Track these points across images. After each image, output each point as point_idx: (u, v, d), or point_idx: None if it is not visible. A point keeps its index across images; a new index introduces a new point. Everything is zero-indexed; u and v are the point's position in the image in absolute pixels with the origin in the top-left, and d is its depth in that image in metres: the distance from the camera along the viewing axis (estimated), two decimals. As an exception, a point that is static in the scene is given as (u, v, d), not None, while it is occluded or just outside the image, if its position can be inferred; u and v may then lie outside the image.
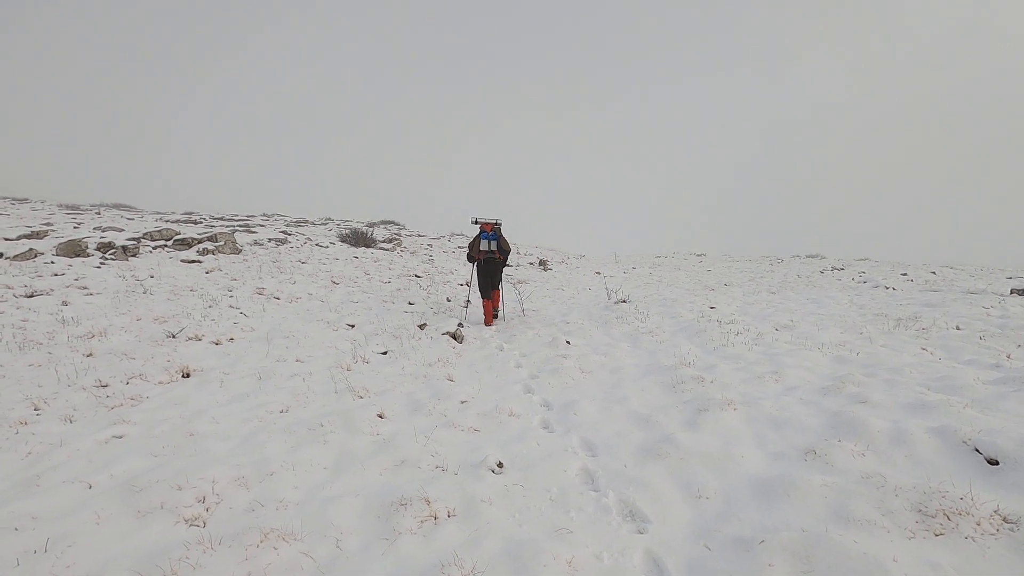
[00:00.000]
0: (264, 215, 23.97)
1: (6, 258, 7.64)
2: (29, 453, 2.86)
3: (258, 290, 7.84)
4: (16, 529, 2.15)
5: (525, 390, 4.43)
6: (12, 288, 6.20)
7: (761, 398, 3.74)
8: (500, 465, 2.93)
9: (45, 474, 2.62)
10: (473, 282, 8.01)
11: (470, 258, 7.51)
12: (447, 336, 6.08)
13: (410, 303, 8.35)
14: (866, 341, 5.40)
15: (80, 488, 2.52)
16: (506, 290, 9.88)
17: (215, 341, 5.26)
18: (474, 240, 7.40)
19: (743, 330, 6.10)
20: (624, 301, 8.60)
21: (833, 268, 15.86)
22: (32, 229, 10.21)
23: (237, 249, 11.06)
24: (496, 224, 7.40)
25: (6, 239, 9.00)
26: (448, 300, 9.01)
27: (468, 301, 8.23)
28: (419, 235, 22.35)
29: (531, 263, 16.54)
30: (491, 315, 7.36)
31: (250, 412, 3.63)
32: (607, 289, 9.90)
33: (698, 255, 25.91)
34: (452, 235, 24.27)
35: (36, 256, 7.98)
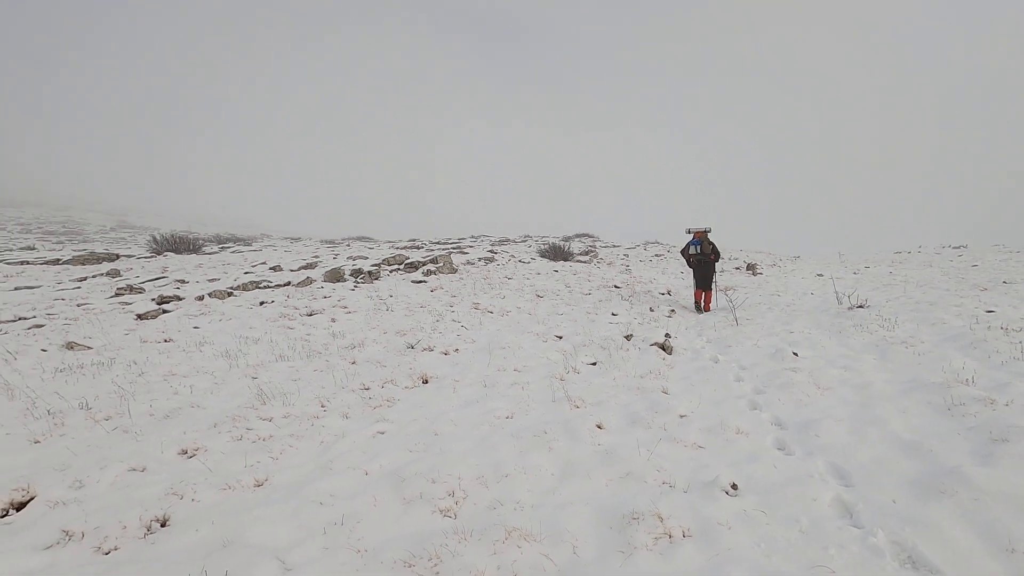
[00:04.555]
0: (472, 236, 26.51)
1: (293, 285, 9.70)
2: (322, 442, 3.54)
3: (474, 305, 8.62)
4: (321, 504, 2.66)
5: (751, 406, 4.04)
6: (298, 309, 7.84)
7: (1096, 429, 2.84)
8: (734, 487, 2.71)
9: (334, 460, 3.21)
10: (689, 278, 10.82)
11: (687, 261, 9.13)
12: (655, 347, 5.90)
13: (613, 314, 8.33)
14: None
15: (359, 474, 3.02)
16: (717, 297, 9.29)
17: (444, 352, 5.92)
18: (685, 246, 9.10)
19: (1047, 339, 4.71)
20: (861, 306, 7.36)
21: None
22: (306, 261, 12.84)
23: (453, 269, 12.36)
24: (705, 231, 8.92)
25: (291, 270, 11.46)
26: (651, 310, 8.77)
27: (672, 311, 8.33)
28: (613, 246, 22.34)
29: (737, 268, 15.22)
30: (699, 303, 9.00)
31: (480, 417, 3.97)
32: (836, 293, 8.55)
33: (955, 247, 21.00)
34: (647, 243, 23.72)
35: (311, 283, 9.98)
